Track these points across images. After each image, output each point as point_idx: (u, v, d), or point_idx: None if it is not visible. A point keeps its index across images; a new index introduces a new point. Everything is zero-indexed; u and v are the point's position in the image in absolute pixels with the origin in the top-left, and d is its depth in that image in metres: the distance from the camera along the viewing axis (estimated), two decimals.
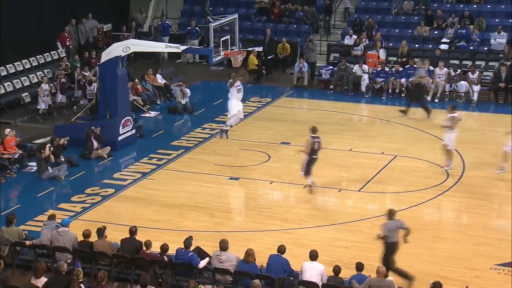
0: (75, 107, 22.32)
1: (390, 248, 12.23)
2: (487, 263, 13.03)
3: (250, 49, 25.49)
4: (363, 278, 11.39)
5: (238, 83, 18.85)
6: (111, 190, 16.67)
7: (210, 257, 12.30)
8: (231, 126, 19.10)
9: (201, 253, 12.48)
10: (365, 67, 24.36)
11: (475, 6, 27.02)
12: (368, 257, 13.03)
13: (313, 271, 11.60)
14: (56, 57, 24.85)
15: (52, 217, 13.47)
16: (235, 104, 18.79)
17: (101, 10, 27.94)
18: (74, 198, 16.22)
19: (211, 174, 17.59)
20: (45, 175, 17.30)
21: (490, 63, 24.59)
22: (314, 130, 16.23)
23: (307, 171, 16.17)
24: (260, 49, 26.27)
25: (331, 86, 24.60)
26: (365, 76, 24.06)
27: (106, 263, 12.58)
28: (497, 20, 26.25)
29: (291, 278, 11.75)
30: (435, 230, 14.50)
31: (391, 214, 12.47)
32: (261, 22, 28.79)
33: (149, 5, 30.44)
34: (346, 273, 11.84)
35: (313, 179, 16.42)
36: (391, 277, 11.63)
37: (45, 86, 21.63)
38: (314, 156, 16.13)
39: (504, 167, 16.95)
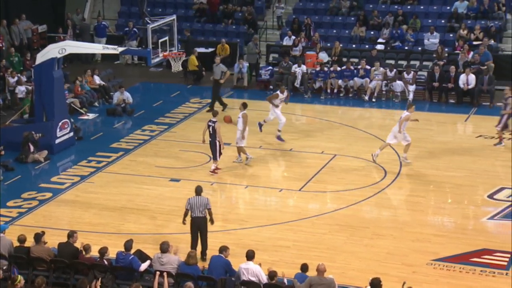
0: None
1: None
2: (423, 258, 13.36)
3: (201, 50, 25.41)
4: (304, 278, 11.49)
5: (285, 94, 19.68)
6: (48, 194, 16.35)
7: (151, 259, 12.21)
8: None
9: (142, 256, 12.38)
10: (304, 67, 24.60)
11: (408, 7, 27.64)
12: (309, 256, 13.19)
13: (249, 272, 11.64)
14: None
15: None
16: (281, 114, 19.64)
17: (35, 11, 27.33)
18: (9, 203, 15.83)
19: (151, 176, 17.45)
20: None
21: (424, 63, 25.20)
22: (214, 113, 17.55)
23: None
24: (200, 50, 26.18)
25: (271, 87, 24.75)
26: (300, 76, 24.19)
27: (44, 268, 12.33)
28: (430, 20, 26.93)
29: (232, 279, 11.77)
30: (373, 227, 14.77)
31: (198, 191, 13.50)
32: (200, 23, 28.73)
33: (85, 6, 29.96)
34: (288, 273, 11.93)
35: (249, 179, 16.48)
36: (331, 275, 11.78)
37: None
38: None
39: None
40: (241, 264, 11.77)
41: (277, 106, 19.58)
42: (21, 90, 22.05)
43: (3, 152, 17.79)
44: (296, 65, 24.56)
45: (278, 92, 19.81)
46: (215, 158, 17.37)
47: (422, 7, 27.62)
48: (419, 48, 25.88)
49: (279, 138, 19.65)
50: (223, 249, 12.08)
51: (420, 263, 13.20)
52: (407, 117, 17.83)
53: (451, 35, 26.06)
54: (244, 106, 18.05)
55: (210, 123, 17.24)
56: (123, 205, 15.84)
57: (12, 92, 22.29)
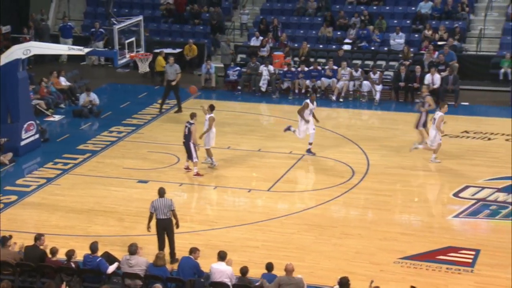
0: None
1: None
2: (390, 257, 13.49)
3: (157, 50, 25.28)
4: (272, 277, 11.53)
5: (315, 104, 18.56)
6: (14, 197, 16.13)
7: (119, 261, 12.13)
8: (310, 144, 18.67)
9: (110, 258, 12.29)
10: (271, 67, 24.67)
11: (374, 7, 27.91)
12: (278, 255, 13.23)
13: (221, 273, 11.64)
14: None
15: None
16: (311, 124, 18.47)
17: None
18: None
19: (119, 177, 17.34)
20: None
21: (391, 63, 25.48)
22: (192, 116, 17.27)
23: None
24: (167, 50, 26.08)
25: (239, 87, 24.76)
26: (267, 77, 24.21)
27: (9, 272, 12.16)
28: (395, 21, 27.22)
29: (201, 280, 11.76)
30: (342, 227, 14.87)
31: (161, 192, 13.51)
32: (167, 23, 28.62)
33: (50, 7, 29.63)
34: (257, 273, 11.95)
35: (218, 179, 16.47)
36: (300, 274, 11.83)
37: None
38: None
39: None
40: (212, 264, 11.75)
41: (307, 121, 18.33)
42: None
43: None
44: (263, 65, 24.61)
45: (307, 101, 18.46)
46: (190, 158, 17.25)
47: (387, 8, 27.91)
48: (385, 48, 26.15)
49: (309, 151, 18.62)
50: (193, 251, 12.06)
51: (387, 261, 13.33)
52: (442, 117, 17.83)
53: (416, 35, 26.39)
54: (211, 108, 17.96)
55: (187, 124, 17.17)
56: (91, 207, 15.71)
57: None
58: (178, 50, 26.64)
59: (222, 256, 11.81)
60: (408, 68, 23.96)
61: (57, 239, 13.61)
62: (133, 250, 11.96)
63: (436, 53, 24.54)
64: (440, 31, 25.72)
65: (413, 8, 27.52)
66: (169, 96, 22.59)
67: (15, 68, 18.32)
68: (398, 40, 25.91)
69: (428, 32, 25.77)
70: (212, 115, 17.75)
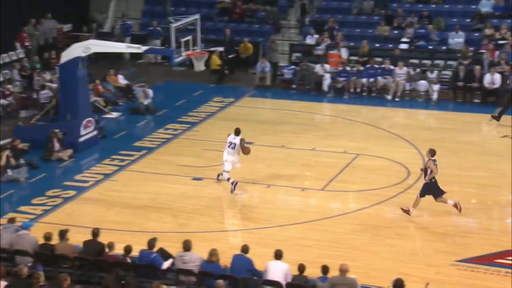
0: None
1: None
2: (446, 259, 13.25)
3: (212, 49, 25.45)
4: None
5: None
6: (72, 192, 16.49)
7: (173, 258, 12.26)
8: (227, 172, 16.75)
9: (165, 254, 12.43)
10: (327, 66, 24.53)
11: (433, 6, 27.43)
12: (331, 255, 13.15)
13: (277, 270, 11.63)
14: (14, 57, 24.47)
15: (11, 220, 13.26)
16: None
17: (60, 10, 27.61)
18: (34, 201, 16.00)
19: (174, 174, 17.52)
20: (4, 177, 17.03)
21: (449, 62, 25.00)
22: (433, 153, 15.06)
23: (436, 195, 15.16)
24: (222, 49, 26.25)
25: (294, 86, 24.73)
26: (327, 76, 24.22)
27: (68, 266, 12.44)
28: (455, 19, 26.68)
29: (255, 278, 11.78)
30: (396, 227, 14.68)
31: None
32: (223, 22, 28.79)
33: (109, 5, 30.18)
34: (311, 272, 11.90)
35: (272, 178, 16.45)
36: (354, 275, 11.73)
37: None
38: (434, 180, 15.00)
39: None
40: (269, 262, 11.75)
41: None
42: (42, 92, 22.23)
43: (27, 148, 17.97)
44: (319, 65, 24.51)
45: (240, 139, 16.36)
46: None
47: (447, 6, 27.39)
48: (444, 47, 25.67)
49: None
50: (245, 250, 12.07)
51: (443, 263, 13.09)
52: None
53: (476, 34, 25.81)
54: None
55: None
56: (146, 203, 15.93)
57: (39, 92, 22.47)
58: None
59: (278, 255, 11.81)
60: (467, 68, 23.48)
61: (114, 234, 13.84)
62: (187, 246, 12.07)
63: (497, 52, 23.96)
64: (501, 30, 25.09)
65: (473, 7, 26.93)
66: (226, 95, 22.68)
67: (75, 66, 18.72)
68: (457, 39, 25.39)
69: (488, 31, 25.17)
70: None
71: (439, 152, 18.47)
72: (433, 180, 14.92)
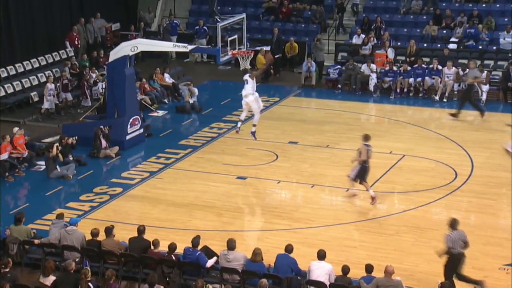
0: (78, 110, 22.30)
1: (454, 260, 11.82)
2: (495, 263, 13.00)
3: (258, 48, 25.48)
4: (372, 279, 11.37)
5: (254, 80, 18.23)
6: (119, 189, 16.71)
7: (217, 256, 12.32)
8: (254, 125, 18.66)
9: (209, 252, 12.50)
10: (373, 66, 24.30)
11: (484, 5, 26.92)
12: (376, 256, 13.03)
13: (321, 271, 11.59)
14: (64, 56, 24.92)
15: (60, 216, 13.53)
16: (254, 100, 18.23)
17: (109, 9, 28.02)
18: (82, 197, 16.27)
19: (218, 173, 17.60)
20: (53, 174, 17.36)
21: (499, 63, 24.51)
22: (366, 138, 15.66)
23: (362, 179, 15.63)
24: (268, 48, 26.24)
25: (339, 86, 24.58)
26: (373, 76, 24.01)
27: (114, 262, 12.61)
28: (506, 19, 26.13)
29: (298, 278, 11.75)
30: (443, 230, 14.38)
31: (453, 224, 12.06)
32: (269, 21, 28.79)
33: (157, 5, 30.50)
34: (354, 273, 11.83)
35: (316, 178, 16.39)
36: (399, 276, 11.60)
37: (50, 86, 21.67)
38: (366, 165, 15.53)
39: None
40: (312, 262, 11.71)
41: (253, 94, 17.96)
42: (95, 88, 22.61)
43: (75, 142, 18.26)
44: (365, 64, 24.31)
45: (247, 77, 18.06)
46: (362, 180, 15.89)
47: (498, 5, 26.85)
48: (494, 48, 25.17)
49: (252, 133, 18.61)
50: (289, 248, 12.06)
51: (491, 267, 12.85)
52: None
53: None
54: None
55: (369, 148, 15.68)
56: (191, 201, 16.04)
57: (91, 89, 22.87)
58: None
59: (321, 255, 11.76)
60: None
61: (159, 232, 14.00)
62: (231, 245, 12.10)
63: None
64: None
65: None
66: (271, 94, 22.64)
67: (122, 65, 18.96)
68: (508, 39, 24.85)
69: None
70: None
71: (487, 154, 18.23)
72: (365, 164, 15.40)
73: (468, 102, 21.49)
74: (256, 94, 18.32)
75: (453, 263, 11.82)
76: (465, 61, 24.46)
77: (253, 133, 18.67)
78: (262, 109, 19.25)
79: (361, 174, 15.55)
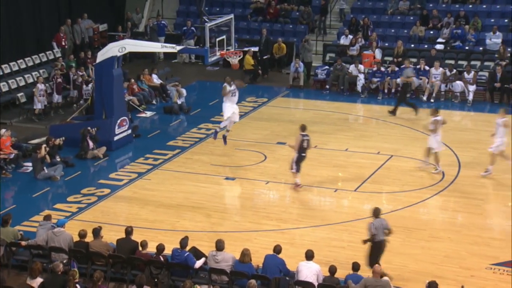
0: (74, 105, 22.31)
1: (377, 247, 12.32)
2: (482, 262, 13.07)
3: (246, 49, 25.48)
4: (359, 278, 11.41)
5: (232, 87, 18.60)
6: (107, 190, 16.66)
7: (206, 257, 12.31)
8: (223, 128, 18.98)
9: (197, 253, 12.49)
10: (361, 67, 24.38)
11: (470, 6, 27.08)
12: (364, 257, 13.05)
13: (309, 271, 11.61)
14: (51, 57, 24.84)
15: (47, 218, 13.46)
16: (229, 107, 18.55)
17: (96, 10, 27.93)
18: (70, 198, 16.21)
19: (207, 174, 17.59)
20: (40, 175, 17.28)
21: (486, 63, 24.66)
22: (303, 128, 16.39)
23: (298, 169, 16.36)
24: (256, 49, 26.27)
25: (327, 86, 24.63)
26: (361, 76, 24.09)
27: (102, 263, 12.57)
28: (492, 20, 26.31)
29: (287, 278, 11.76)
30: (430, 230, 14.52)
31: (376, 212, 12.58)
32: (257, 22, 28.81)
33: (144, 5, 30.43)
34: (343, 273, 11.86)
35: (304, 178, 16.46)
36: (387, 277, 11.64)
37: (40, 86, 21.63)
38: (303, 154, 16.29)
39: (490, 169, 16.99)
40: (300, 262, 11.73)
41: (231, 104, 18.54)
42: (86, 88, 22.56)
43: (62, 143, 18.20)
44: (353, 65, 24.37)
45: (224, 84, 18.57)
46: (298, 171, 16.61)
47: (484, 6, 27.01)
48: (480, 48, 25.32)
49: (215, 133, 19.02)
50: (278, 249, 12.07)
51: (478, 267, 12.92)
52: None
53: None
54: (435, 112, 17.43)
55: (306, 137, 16.31)
56: (179, 202, 16.02)
57: (80, 88, 22.81)
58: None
59: (309, 255, 11.78)
60: (504, 69, 23.11)
61: (147, 233, 13.97)
62: (220, 246, 12.10)
63: None
64: None
65: (511, 7, 26.50)
66: (259, 95, 22.66)
67: (110, 65, 18.90)
68: (494, 40, 25.01)
69: None
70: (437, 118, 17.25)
71: (474, 153, 18.32)
72: (302, 154, 16.18)
73: (403, 101, 22.01)
74: (234, 106, 18.50)
75: (376, 250, 12.32)
76: (452, 62, 24.64)
77: (215, 133, 18.98)
78: (241, 115, 19.77)
79: (297, 163, 16.28)
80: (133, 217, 15.21)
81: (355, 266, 11.71)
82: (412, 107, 21.82)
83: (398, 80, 23.59)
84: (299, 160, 16.31)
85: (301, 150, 16.24)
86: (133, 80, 23.12)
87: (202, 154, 18.96)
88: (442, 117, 17.51)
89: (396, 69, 23.97)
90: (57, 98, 22.23)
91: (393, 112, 21.84)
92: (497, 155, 16.99)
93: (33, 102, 21.68)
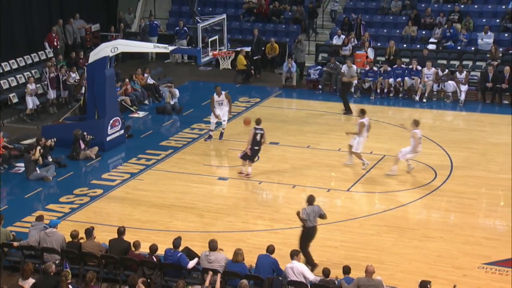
0: (70, 106, 22.27)
1: (308, 233, 12.76)
2: (474, 262, 13.11)
3: (238, 49, 25.48)
4: (351, 281, 11.41)
5: (221, 97, 19.42)
6: (99, 191, 16.62)
7: (199, 257, 12.30)
8: (214, 130, 19.80)
9: (190, 254, 12.48)
10: (354, 67, 24.38)
11: (462, 6, 27.15)
12: (357, 256, 13.09)
13: (293, 272, 11.64)
14: (43, 57, 24.74)
15: (40, 218, 13.42)
16: (214, 113, 19.50)
17: (88, 10, 27.86)
18: (62, 199, 16.16)
19: (200, 174, 17.57)
20: (33, 175, 17.23)
21: (477, 63, 24.72)
22: (258, 122, 17.09)
23: (249, 159, 17.07)
24: (248, 49, 26.27)
25: (320, 86, 24.65)
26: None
27: (94, 264, 12.54)
28: (484, 20, 26.39)
29: (280, 278, 11.76)
30: (423, 229, 14.55)
31: (310, 200, 13.01)
32: (250, 22, 28.81)
33: (137, 5, 30.38)
34: (336, 273, 11.86)
35: (297, 178, 16.45)
36: (379, 276, 11.66)
37: (31, 86, 21.56)
38: (256, 147, 16.98)
39: (394, 170, 17.17)
40: (287, 264, 11.75)
41: (217, 115, 19.57)
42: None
43: (53, 144, 18.15)
44: (345, 65, 24.37)
45: (213, 94, 19.53)
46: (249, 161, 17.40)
47: (476, 6, 27.10)
48: (472, 48, 25.40)
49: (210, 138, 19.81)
50: (271, 249, 12.07)
51: (471, 266, 12.96)
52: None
53: (506, 34, 25.50)
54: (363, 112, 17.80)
55: (259, 131, 17.11)
56: (172, 202, 16.00)
57: (71, 88, 22.75)
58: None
59: (293, 254, 11.83)
60: (496, 69, 23.20)
61: (139, 233, 13.95)
62: (212, 246, 12.09)
63: None
64: None
65: (503, 7, 26.60)
66: (252, 95, 22.65)
67: (103, 66, 18.86)
68: (486, 40, 25.09)
69: None
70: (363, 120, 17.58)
71: (466, 153, 18.38)
72: (255, 147, 16.90)
73: (342, 99, 22.30)
74: (218, 112, 19.43)
75: (306, 235, 12.82)
76: (444, 62, 24.70)
77: (209, 137, 19.80)
78: (234, 115, 20.60)
79: (250, 156, 17.01)
80: (125, 218, 15.18)
81: (346, 270, 11.68)
82: (345, 107, 22.07)
83: (391, 80, 23.63)
84: (253, 153, 16.99)
85: (254, 143, 16.87)
86: (127, 80, 23.08)
87: (195, 154, 18.94)
88: (368, 120, 17.67)
89: (389, 69, 24.00)
90: (52, 93, 22.11)
91: (348, 112, 21.98)
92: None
93: (25, 101, 21.59)
